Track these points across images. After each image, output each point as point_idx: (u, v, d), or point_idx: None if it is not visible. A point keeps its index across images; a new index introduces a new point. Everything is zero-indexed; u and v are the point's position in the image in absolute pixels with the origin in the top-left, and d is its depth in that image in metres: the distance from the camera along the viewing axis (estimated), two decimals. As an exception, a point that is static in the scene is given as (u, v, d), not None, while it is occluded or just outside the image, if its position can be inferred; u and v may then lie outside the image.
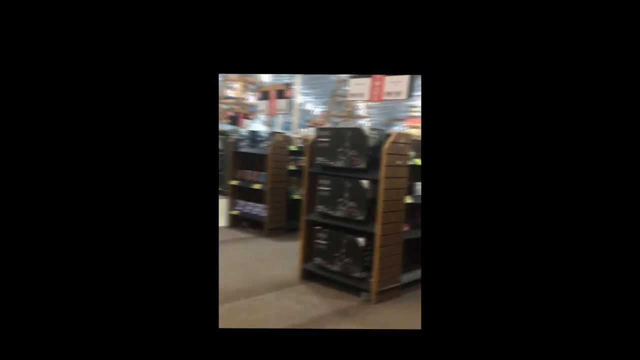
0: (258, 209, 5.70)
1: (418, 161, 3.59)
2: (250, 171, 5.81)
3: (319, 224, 3.68)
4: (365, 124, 17.98)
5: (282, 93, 5.69)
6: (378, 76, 4.57)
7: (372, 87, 4.77)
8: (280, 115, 16.31)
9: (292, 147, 5.68)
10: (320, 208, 3.59)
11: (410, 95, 4.38)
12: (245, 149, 5.75)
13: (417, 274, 3.77)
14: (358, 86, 4.99)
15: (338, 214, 3.46)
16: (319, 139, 3.58)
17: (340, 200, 3.44)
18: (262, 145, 5.60)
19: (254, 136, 5.74)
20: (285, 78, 16.90)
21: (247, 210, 5.80)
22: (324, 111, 20.48)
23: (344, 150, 3.41)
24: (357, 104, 18.07)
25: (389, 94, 4.62)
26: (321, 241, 3.61)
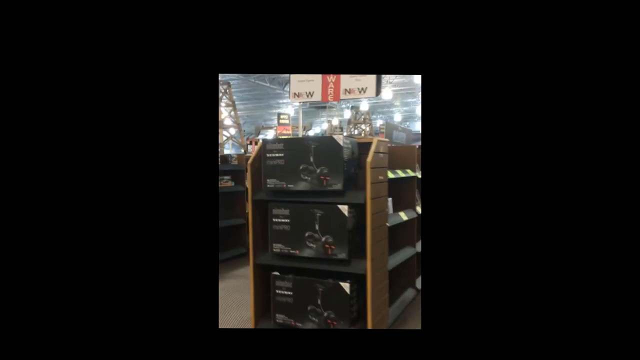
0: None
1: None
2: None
3: (276, 268, 2.76)
4: (233, 133, 17.00)
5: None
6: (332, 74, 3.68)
7: (324, 84, 3.90)
8: (223, 112, 14.41)
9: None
10: (277, 247, 2.67)
11: (379, 92, 3.70)
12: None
13: (400, 300, 3.08)
14: (303, 84, 4.13)
15: (306, 253, 2.59)
16: (269, 155, 2.67)
17: (308, 234, 2.58)
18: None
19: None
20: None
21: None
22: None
23: (308, 168, 2.56)
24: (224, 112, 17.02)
25: (349, 91, 3.86)
26: (283, 291, 2.70)
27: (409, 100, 21.01)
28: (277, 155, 2.64)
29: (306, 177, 2.57)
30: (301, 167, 2.57)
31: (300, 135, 20.59)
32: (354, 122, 22.77)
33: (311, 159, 2.54)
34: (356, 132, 21.62)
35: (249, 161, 2.77)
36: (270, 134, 23.57)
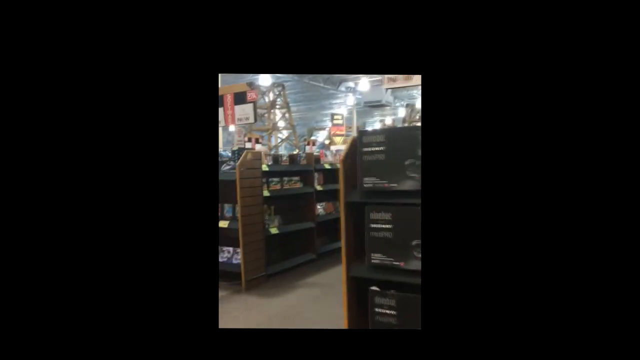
0: (226, 255, 4.19)
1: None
2: (209, 204, 4.31)
3: (374, 282, 2.36)
4: (286, 135, 16.85)
5: (243, 96, 4.27)
6: (229, 105, 4.64)
7: (226, 115, 4.73)
8: (242, 125, 14.57)
9: (264, 167, 4.27)
10: (376, 257, 2.27)
11: (256, 119, 4.61)
12: (200, 174, 4.22)
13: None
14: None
15: (412, 265, 2.17)
16: (366, 149, 2.28)
17: (415, 243, 2.16)
18: (224, 167, 4.12)
19: (209, 156, 4.24)
20: (248, 76, 14.80)
21: (211, 258, 4.26)
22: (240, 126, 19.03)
23: (415, 163, 2.14)
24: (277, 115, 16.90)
25: (239, 119, 4.69)
26: (385, 310, 2.29)
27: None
28: (376, 149, 2.24)
29: (413, 175, 2.14)
30: (407, 163, 2.16)
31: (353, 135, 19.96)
32: (408, 120, 22.04)
33: (419, 153, 2.12)
34: (411, 131, 20.95)
35: (340, 158, 2.39)
36: (321, 136, 23.32)
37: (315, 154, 5.18)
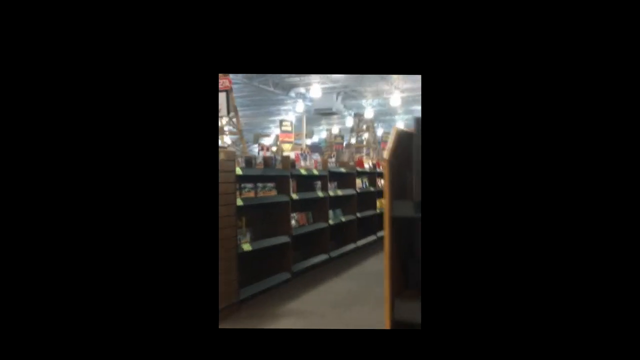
0: (189, 277, 3.39)
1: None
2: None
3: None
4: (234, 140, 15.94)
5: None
6: None
7: None
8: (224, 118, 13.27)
9: (238, 170, 3.53)
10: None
11: (229, 111, 3.70)
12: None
13: None
14: None
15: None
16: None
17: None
18: (190, 169, 3.34)
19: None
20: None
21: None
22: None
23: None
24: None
25: None
26: None
27: (413, 107, 20.15)
28: (443, 143, 1.63)
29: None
30: (489, 163, 1.57)
31: (303, 144, 19.40)
32: (356, 130, 21.81)
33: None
34: (356, 140, 20.73)
35: (387, 155, 1.75)
36: (267, 142, 22.51)
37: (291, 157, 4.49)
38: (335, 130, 23.14)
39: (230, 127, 15.74)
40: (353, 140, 21.40)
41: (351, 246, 5.79)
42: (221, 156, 3.31)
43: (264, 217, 4.25)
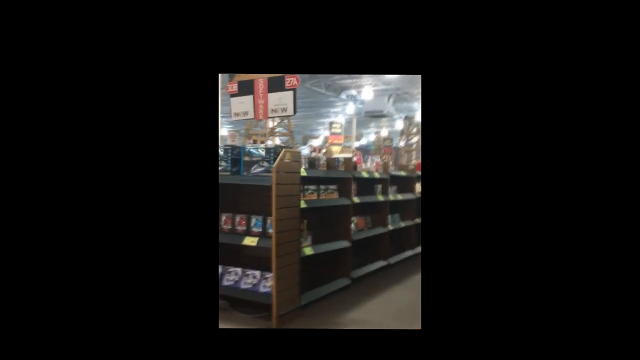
0: (251, 280, 3.31)
1: None
2: (235, 215, 3.41)
3: None
4: (284, 141, 15.99)
5: (280, 82, 3.42)
6: (261, 93, 3.86)
7: (256, 104, 3.90)
8: (276, 120, 13.45)
9: (302, 172, 3.43)
10: None
11: (296, 110, 3.80)
12: (223, 177, 3.31)
13: None
14: (241, 104, 4.14)
15: None
16: None
17: None
18: (254, 169, 3.26)
19: (234, 154, 3.36)
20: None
21: (231, 284, 3.36)
22: (234, 130, 18.14)
23: None
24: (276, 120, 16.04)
25: (274, 110, 3.92)
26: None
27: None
28: None
29: None
30: None
31: (352, 146, 19.15)
32: (406, 133, 21.41)
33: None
34: (404, 144, 20.30)
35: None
36: (315, 144, 22.48)
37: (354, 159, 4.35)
38: (384, 132, 22.83)
39: (281, 129, 15.83)
40: (402, 144, 21.02)
41: (409, 253, 5.57)
42: (287, 156, 3.21)
43: (323, 220, 4.13)
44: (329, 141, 18.36)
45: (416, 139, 21.00)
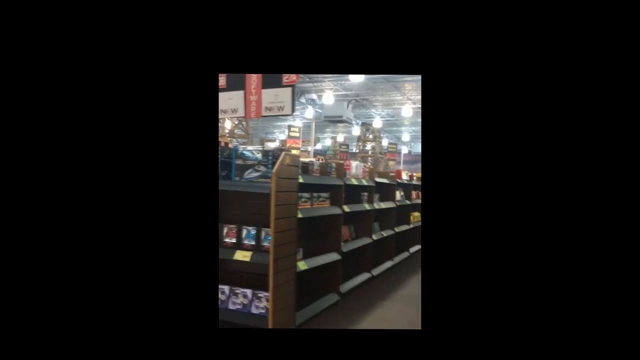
0: (241, 300, 2.92)
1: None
2: (223, 226, 2.99)
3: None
4: (241, 143, 15.46)
5: (276, 78, 3.07)
6: (253, 89, 3.62)
7: (248, 101, 3.75)
8: (235, 120, 12.81)
9: (300, 178, 3.09)
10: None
11: (294, 109, 3.69)
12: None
13: None
14: (229, 100, 4.00)
15: None
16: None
17: None
18: (250, 173, 2.89)
19: (225, 156, 2.96)
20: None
21: (221, 305, 2.95)
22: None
23: None
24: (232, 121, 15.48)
25: (269, 109, 3.87)
26: None
27: (419, 119, 19.80)
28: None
29: None
30: None
31: (311, 150, 18.99)
32: (363, 139, 21.45)
33: None
34: (360, 149, 20.31)
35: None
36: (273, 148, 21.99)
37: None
38: (340, 138, 22.74)
39: (240, 130, 15.30)
40: (356, 150, 21.01)
41: (389, 264, 5.34)
42: (287, 161, 2.86)
43: (312, 232, 3.80)
44: (287, 145, 18.03)
45: (372, 144, 21.08)
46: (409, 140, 24.29)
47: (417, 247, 6.63)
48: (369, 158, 21.10)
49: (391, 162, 20.33)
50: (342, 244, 3.99)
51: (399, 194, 5.70)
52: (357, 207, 4.30)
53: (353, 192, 4.47)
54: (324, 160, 4.63)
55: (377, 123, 19.53)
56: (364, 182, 4.40)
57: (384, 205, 5.06)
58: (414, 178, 6.56)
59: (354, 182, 4.16)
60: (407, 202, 6.15)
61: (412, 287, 4.72)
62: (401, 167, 22.63)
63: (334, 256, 3.77)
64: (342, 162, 4.10)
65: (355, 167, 4.38)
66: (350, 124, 20.02)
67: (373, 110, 18.78)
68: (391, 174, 5.56)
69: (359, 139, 20.99)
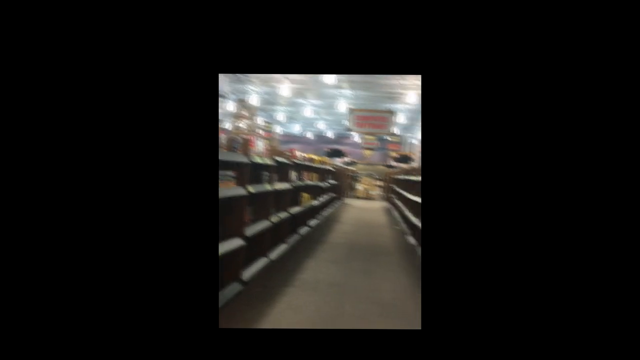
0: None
1: None
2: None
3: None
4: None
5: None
6: None
7: None
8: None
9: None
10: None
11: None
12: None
13: None
14: None
15: None
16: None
17: None
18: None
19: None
20: None
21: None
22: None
23: None
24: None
25: None
26: None
27: (299, 100, 19.85)
28: None
29: None
30: None
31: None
32: (238, 115, 20.78)
33: None
34: (233, 126, 19.71)
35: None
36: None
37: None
38: (213, 114, 21.73)
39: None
40: (229, 126, 20.34)
41: (284, 247, 5.12)
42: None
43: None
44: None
45: (245, 122, 20.52)
46: (286, 121, 24.21)
47: (306, 229, 6.52)
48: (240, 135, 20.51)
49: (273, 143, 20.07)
50: (244, 228, 3.63)
51: (293, 174, 5.47)
52: (260, 188, 3.96)
53: (254, 172, 4.11)
54: (230, 135, 4.14)
55: (253, 100, 19.03)
56: (268, 161, 4.07)
57: (282, 186, 4.79)
58: (307, 159, 6.40)
59: (259, 160, 3.80)
60: (300, 183, 5.96)
61: (312, 272, 4.56)
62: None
63: (237, 242, 3.39)
64: (253, 140, 3.71)
65: (259, 144, 4.01)
66: (227, 99, 19.19)
67: (249, 86, 18.20)
68: (287, 153, 5.29)
69: (233, 115, 20.26)
